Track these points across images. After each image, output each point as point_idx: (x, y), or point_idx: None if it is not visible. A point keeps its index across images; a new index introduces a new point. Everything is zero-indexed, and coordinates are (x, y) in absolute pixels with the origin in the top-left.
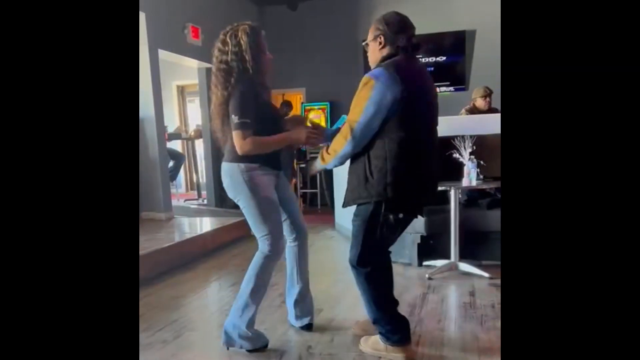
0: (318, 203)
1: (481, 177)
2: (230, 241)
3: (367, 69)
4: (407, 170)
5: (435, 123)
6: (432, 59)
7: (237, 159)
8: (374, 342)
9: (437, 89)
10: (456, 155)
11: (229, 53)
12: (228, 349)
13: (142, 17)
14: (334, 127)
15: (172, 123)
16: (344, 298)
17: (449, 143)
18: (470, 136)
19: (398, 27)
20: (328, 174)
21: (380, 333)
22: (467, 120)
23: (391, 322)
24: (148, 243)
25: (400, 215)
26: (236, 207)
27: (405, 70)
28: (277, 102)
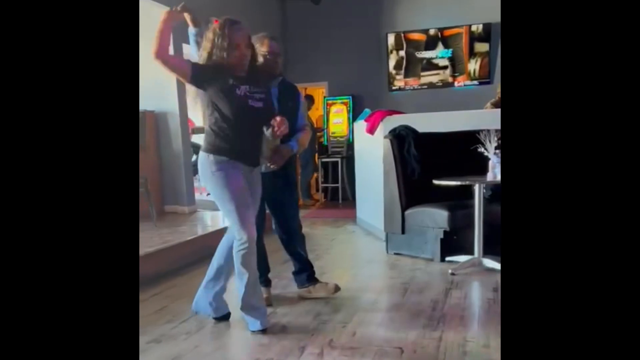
0: (339, 197)
1: None
2: None
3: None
4: None
5: None
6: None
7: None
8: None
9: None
10: (481, 149)
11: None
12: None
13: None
14: (358, 119)
15: (196, 117)
16: (364, 293)
17: (473, 137)
18: (496, 130)
19: None
20: (349, 169)
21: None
22: (492, 114)
23: None
24: (171, 236)
25: None
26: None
27: None
28: None
